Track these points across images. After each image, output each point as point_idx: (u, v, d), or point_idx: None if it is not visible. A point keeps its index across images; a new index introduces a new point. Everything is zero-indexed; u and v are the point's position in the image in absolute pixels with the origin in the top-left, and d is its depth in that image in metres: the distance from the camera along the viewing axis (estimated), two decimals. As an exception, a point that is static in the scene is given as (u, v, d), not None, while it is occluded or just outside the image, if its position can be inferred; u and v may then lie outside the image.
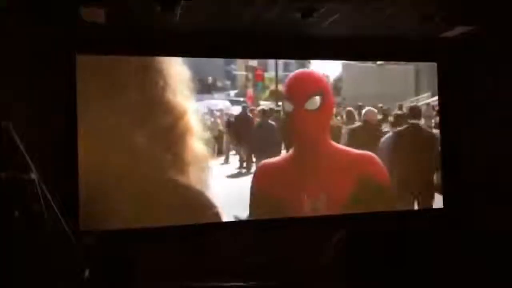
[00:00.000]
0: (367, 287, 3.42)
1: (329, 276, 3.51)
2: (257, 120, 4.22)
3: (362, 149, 4.15)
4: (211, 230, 3.93)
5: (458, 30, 3.83)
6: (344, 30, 3.76)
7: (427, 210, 4.40)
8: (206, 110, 4.09)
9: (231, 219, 4.01)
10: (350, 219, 4.09)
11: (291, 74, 4.20)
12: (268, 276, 3.78)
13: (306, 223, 4.12)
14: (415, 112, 4.41)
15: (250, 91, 4.35)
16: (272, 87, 4.36)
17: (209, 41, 3.90)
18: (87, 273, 2.70)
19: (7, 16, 2.46)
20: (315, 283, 3.64)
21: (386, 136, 4.34)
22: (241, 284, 3.69)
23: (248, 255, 3.86)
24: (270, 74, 4.39)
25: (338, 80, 4.38)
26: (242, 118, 4.20)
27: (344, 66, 4.42)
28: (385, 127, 4.37)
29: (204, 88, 4.10)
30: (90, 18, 3.23)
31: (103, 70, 3.77)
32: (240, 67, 4.39)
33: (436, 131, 4.48)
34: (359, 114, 4.34)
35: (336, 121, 4.26)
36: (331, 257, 3.61)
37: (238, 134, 4.21)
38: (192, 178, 3.88)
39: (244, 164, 4.20)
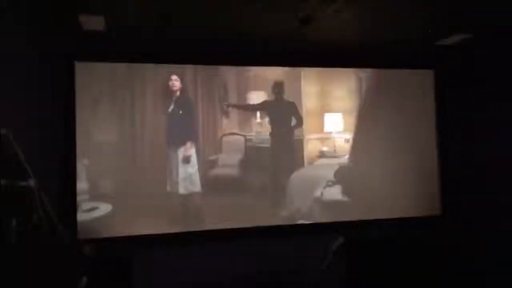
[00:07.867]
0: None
1: (327, 283, 3.49)
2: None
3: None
4: (204, 238, 3.91)
5: (455, 38, 3.86)
6: (339, 37, 3.77)
7: (426, 216, 4.40)
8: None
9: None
10: (348, 226, 4.08)
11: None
12: (266, 284, 3.76)
13: (304, 230, 4.11)
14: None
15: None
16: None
17: (213, 49, 3.90)
18: (84, 281, 2.67)
19: (6, 22, 2.46)
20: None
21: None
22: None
23: (246, 263, 3.84)
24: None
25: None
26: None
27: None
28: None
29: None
30: (90, 26, 3.24)
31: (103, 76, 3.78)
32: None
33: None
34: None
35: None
36: (330, 264, 3.59)
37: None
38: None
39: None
